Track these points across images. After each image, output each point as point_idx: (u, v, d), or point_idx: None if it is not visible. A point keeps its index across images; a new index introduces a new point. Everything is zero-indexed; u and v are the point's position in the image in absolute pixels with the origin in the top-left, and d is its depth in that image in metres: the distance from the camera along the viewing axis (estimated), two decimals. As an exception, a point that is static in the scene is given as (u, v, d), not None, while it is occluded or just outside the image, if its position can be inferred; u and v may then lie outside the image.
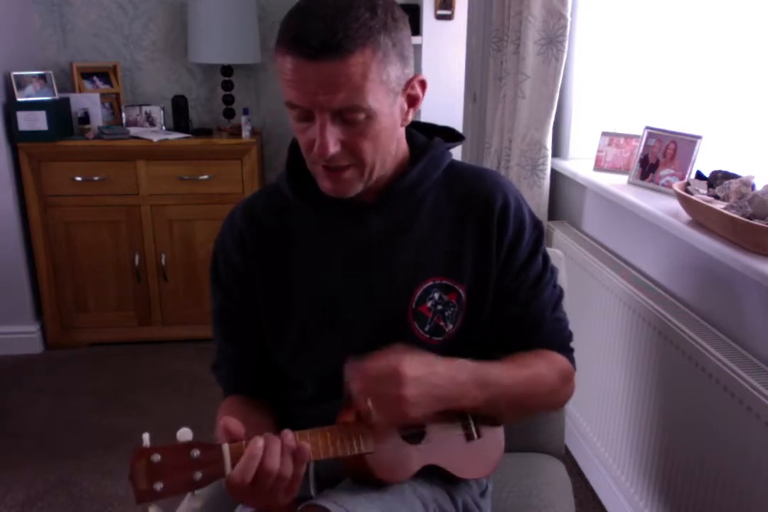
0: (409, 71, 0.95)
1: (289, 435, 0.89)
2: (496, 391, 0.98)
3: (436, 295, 1.04)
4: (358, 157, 0.94)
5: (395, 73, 0.91)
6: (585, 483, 2.08)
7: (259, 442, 0.86)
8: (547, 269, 1.10)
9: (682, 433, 1.50)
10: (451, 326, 1.05)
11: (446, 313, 1.04)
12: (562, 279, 1.28)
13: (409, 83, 0.95)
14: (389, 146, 0.98)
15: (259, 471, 0.85)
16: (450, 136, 1.10)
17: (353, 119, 0.90)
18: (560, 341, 1.11)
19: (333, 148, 0.91)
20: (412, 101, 0.98)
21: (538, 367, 1.04)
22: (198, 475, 0.83)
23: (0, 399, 2.63)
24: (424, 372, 0.90)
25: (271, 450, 0.86)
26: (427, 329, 1.04)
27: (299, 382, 1.11)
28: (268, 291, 1.08)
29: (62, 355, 3.00)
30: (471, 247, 1.04)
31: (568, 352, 1.11)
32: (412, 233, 1.04)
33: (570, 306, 1.16)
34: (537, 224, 1.09)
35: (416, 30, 3.08)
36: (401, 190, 1.03)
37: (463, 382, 0.95)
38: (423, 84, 0.98)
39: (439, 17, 3.10)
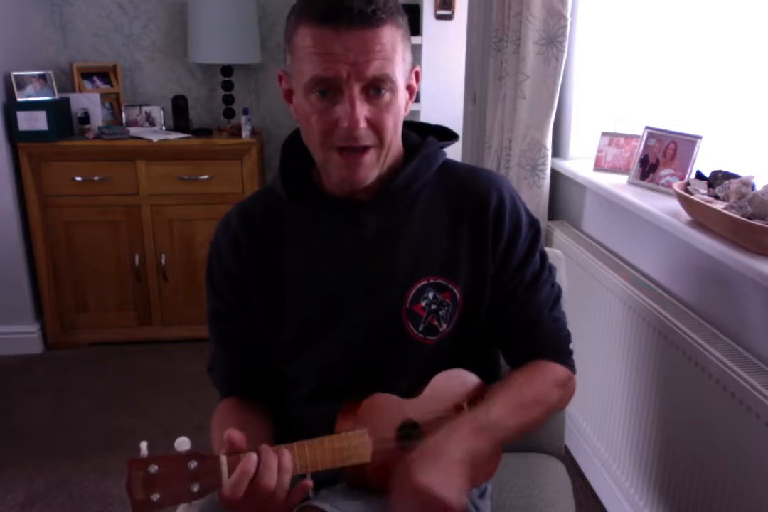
0: (412, 60, 0.99)
1: (286, 457, 0.88)
2: (502, 433, 0.98)
3: (431, 294, 1.03)
4: (380, 135, 0.95)
5: (408, 56, 0.97)
6: (585, 483, 2.08)
7: (252, 458, 0.85)
8: (545, 267, 1.09)
9: (682, 433, 1.50)
10: (445, 325, 1.05)
11: (440, 313, 1.04)
12: (562, 280, 1.28)
13: (411, 71, 0.99)
14: (399, 129, 1.00)
15: (255, 487, 0.85)
16: (443, 134, 1.11)
17: (380, 93, 0.93)
18: (558, 341, 1.10)
19: (363, 121, 0.92)
20: (410, 92, 1.01)
21: (536, 389, 1.03)
22: (195, 487, 0.83)
23: (0, 399, 2.63)
24: (445, 473, 0.89)
25: (269, 467, 0.85)
26: (420, 328, 1.04)
27: (297, 383, 1.11)
28: (264, 293, 1.08)
29: (62, 355, 3.00)
30: (466, 246, 1.04)
31: (566, 355, 1.11)
32: (407, 232, 1.04)
33: (570, 307, 1.16)
34: (533, 222, 1.09)
35: (416, 30, 3.09)
36: (395, 188, 1.03)
37: (474, 448, 0.94)
38: (417, 75, 1.02)
39: (439, 17, 3.11)
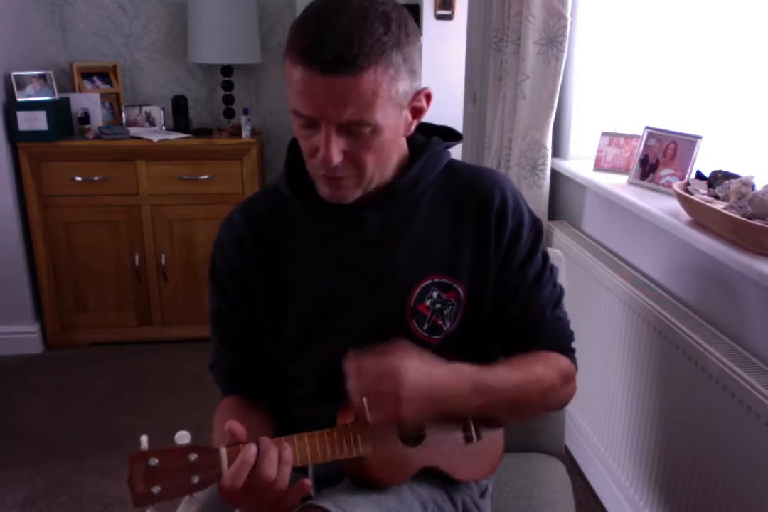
0: (417, 84, 0.95)
1: (287, 450, 0.88)
2: (495, 395, 0.97)
3: (435, 294, 1.04)
4: (359, 167, 0.95)
5: (404, 88, 0.92)
6: (585, 483, 2.08)
7: (252, 449, 0.86)
8: (547, 267, 1.09)
9: (682, 433, 1.50)
10: (449, 324, 1.05)
11: (445, 312, 1.04)
12: (562, 280, 1.28)
13: (415, 96, 0.96)
14: (391, 156, 0.99)
15: (255, 477, 0.85)
16: (448, 135, 1.11)
17: (359, 132, 0.91)
18: (561, 340, 1.10)
19: (337, 158, 0.92)
20: (417, 113, 0.99)
21: (537, 369, 1.04)
22: (195, 479, 0.83)
23: (0, 399, 2.63)
24: (422, 373, 0.90)
25: (269, 458, 0.86)
26: (425, 327, 1.04)
27: (299, 382, 1.11)
28: (267, 292, 1.08)
29: (62, 355, 3.00)
30: (469, 245, 1.04)
31: (569, 352, 1.11)
32: (411, 231, 1.04)
33: (570, 307, 1.16)
34: (536, 222, 1.09)
35: (416, 30, 3.09)
36: (400, 188, 1.03)
37: (461, 385, 0.95)
38: (429, 97, 0.99)
39: (439, 17, 3.11)
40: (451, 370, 0.95)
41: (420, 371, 0.90)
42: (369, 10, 0.87)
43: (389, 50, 0.87)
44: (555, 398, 1.08)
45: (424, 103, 0.98)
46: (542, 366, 1.05)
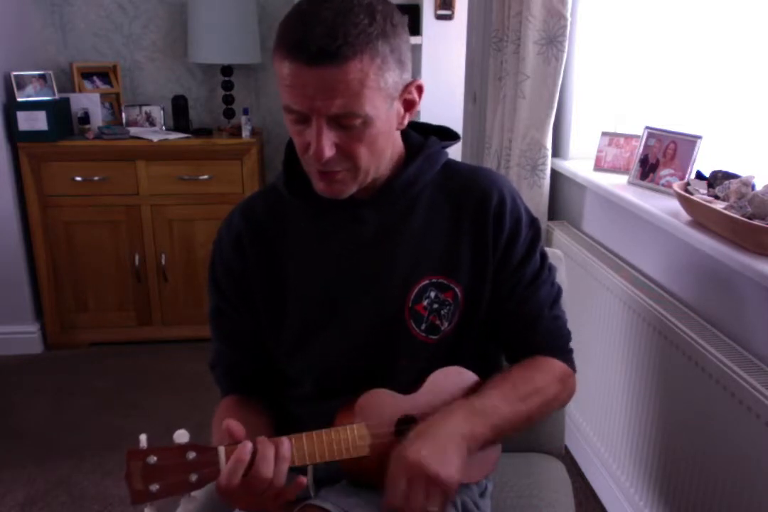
0: (407, 76, 0.95)
1: (285, 445, 0.89)
2: (498, 419, 0.98)
3: (432, 294, 1.04)
4: (353, 161, 0.95)
5: (393, 78, 0.92)
6: (585, 483, 2.08)
7: (247, 447, 0.86)
8: (545, 267, 1.09)
9: (682, 433, 1.50)
10: (447, 324, 1.05)
11: (442, 312, 1.04)
12: (562, 280, 1.28)
13: (406, 88, 0.96)
14: (385, 150, 0.98)
15: (252, 476, 0.85)
16: (445, 135, 1.11)
17: (350, 124, 0.91)
18: (558, 340, 1.10)
19: (329, 152, 0.92)
20: (409, 105, 0.98)
21: (533, 381, 1.04)
22: (193, 477, 0.84)
23: (0, 399, 2.63)
24: (438, 451, 0.90)
25: (265, 456, 0.86)
26: (423, 327, 1.04)
27: (298, 381, 1.11)
28: (266, 291, 1.08)
29: (62, 355, 3.00)
30: (467, 245, 1.04)
31: (566, 353, 1.11)
32: (408, 231, 1.04)
33: (570, 307, 1.16)
34: (533, 221, 1.09)
35: (416, 30, 3.08)
36: (397, 187, 1.03)
37: (470, 431, 0.94)
38: (420, 89, 0.99)
39: (439, 17, 3.10)
40: (451, 421, 0.95)
41: (433, 449, 0.90)
42: (353, 2, 0.88)
43: (375, 40, 0.88)
44: (555, 404, 1.09)
45: (415, 95, 0.98)
46: (541, 378, 1.05)
